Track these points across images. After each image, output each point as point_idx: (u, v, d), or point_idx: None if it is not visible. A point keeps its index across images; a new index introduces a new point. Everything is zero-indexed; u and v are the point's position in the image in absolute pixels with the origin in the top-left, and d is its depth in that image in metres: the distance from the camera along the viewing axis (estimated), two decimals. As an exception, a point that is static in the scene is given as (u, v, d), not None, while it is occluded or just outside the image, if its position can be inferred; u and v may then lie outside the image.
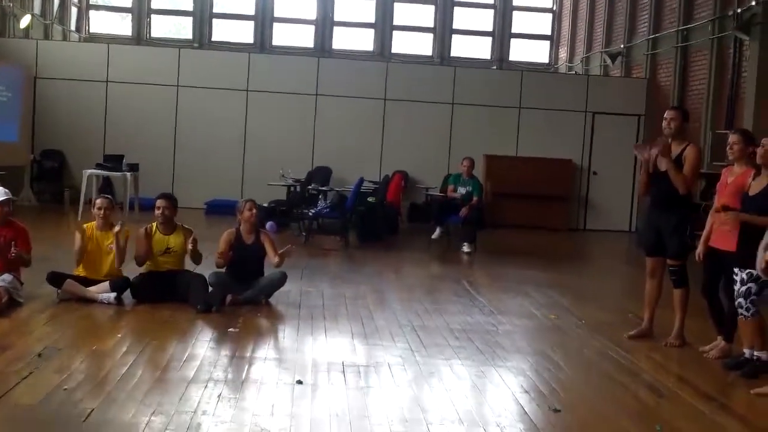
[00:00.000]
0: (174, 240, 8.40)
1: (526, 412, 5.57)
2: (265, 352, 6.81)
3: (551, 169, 17.47)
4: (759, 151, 6.53)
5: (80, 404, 5.13)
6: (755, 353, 6.53)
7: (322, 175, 16.57)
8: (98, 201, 8.46)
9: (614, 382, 6.41)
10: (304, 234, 13.50)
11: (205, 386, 5.66)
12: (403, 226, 15.15)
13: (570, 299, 9.71)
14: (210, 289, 8.19)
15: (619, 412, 5.68)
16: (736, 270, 6.52)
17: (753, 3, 14.03)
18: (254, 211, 8.60)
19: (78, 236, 8.18)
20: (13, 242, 7.80)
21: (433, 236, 13.95)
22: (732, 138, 7.10)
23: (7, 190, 8.03)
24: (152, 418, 4.97)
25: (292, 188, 15.64)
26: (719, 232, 6.96)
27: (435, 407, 5.55)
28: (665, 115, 7.63)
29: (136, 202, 15.15)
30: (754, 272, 6.25)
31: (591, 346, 7.46)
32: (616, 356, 7.12)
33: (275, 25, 24.34)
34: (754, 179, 6.60)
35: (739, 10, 14.43)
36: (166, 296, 8.11)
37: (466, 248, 13.25)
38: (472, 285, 10.44)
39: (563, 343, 7.58)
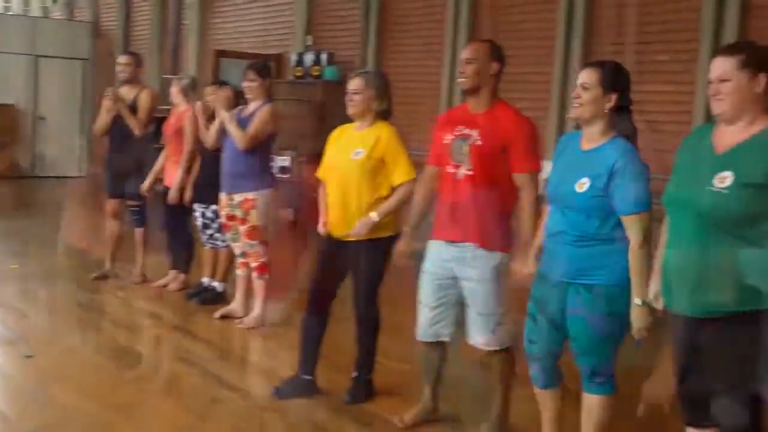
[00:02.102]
0: None
1: (-3, 363, 5.47)
2: None
3: (-7, 115, 16.56)
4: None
5: None
6: (213, 282, 7.10)
7: None
8: None
9: (86, 323, 6.57)
10: None
11: None
12: None
13: (30, 247, 9.52)
14: None
15: (94, 350, 5.87)
16: (196, 206, 7.02)
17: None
18: None
19: None
20: None
21: None
22: (174, 84, 7.54)
23: None
24: None
25: None
26: (171, 169, 7.40)
27: None
28: (119, 61, 7.84)
29: None
30: (215, 207, 6.76)
31: (60, 291, 7.48)
32: (84, 298, 7.24)
33: None
34: None
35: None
36: None
37: None
38: None
39: (29, 291, 7.47)
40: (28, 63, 17.21)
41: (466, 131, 4.09)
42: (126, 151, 7.64)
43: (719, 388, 2.94)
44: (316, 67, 11.28)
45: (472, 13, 9.73)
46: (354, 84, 4.81)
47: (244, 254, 6.36)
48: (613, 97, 3.48)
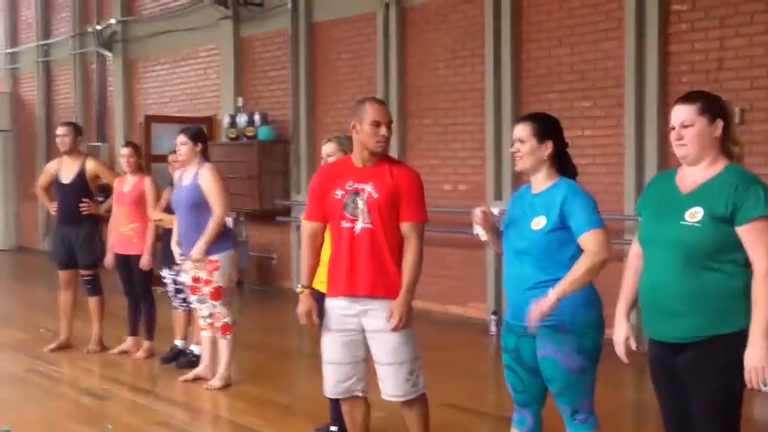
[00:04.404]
0: None
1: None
2: None
3: None
4: None
5: None
6: (191, 346, 7.17)
7: None
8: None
9: (53, 394, 6.61)
10: None
11: None
12: None
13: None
14: None
15: (68, 419, 5.93)
16: (165, 272, 7.18)
17: (112, 21, 14.80)
18: None
19: None
20: None
21: None
22: (124, 151, 7.66)
23: None
24: None
25: None
26: (121, 238, 7.52)
27: None
28: (57, 132, 7.90)
29: None
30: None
31: (17, 365, 7.45)
32: (46, 370, 7.27)
33: None
34: None
35: (99, 27, 15.08)
36: None
37: None
38: None
39: (-13, 367, 7.45)
40: (-53, 137, 17.02)
41: (359, 185, 4.19)
42: (75, 221, 7.72)
43: (700, 410, 3.23)
44: (250, 128, 11.52)
45: (403, 67, 10.13)
46: (327, 149, 5.08)
47: (211, 315, 6.46)
48: (549, 144, 3.77)
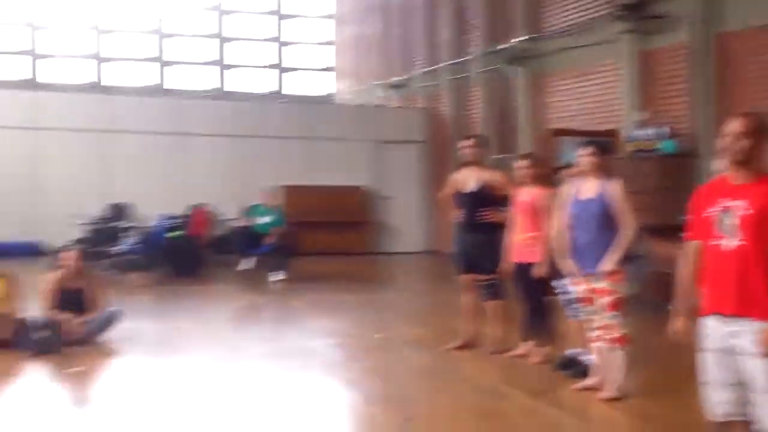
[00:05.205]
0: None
1: (381, 423, 6.13)
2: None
3: (344, 197, 18.26)
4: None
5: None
6: (586, 355, 7.17)
7: (119, 212, 16.40)
8: None
9: (452, 389, 7.08)
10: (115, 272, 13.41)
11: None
12: (209, 259, 15.27)
13: (389, 318, 10.42)
14: (41, 332, 8.16)
15: (465, 415, 6.36)
16: (561, 282, 7.31)
17: (520, 39, 15.44)
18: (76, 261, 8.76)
19: None
20: None
21: (240, 268, 14.24)
22: (521, 163, 8.01)
23: None
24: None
25: (94, 227, 15.39)
26: (518, 246, 7.83)
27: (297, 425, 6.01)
28: (464, 143, 8.41)
29: None
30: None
31: (420, 359, 8.14)
32: (446, 366, 7.84)
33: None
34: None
35: (506, 45, 15.79)
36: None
37: (276, 276, 13.63)
38: (295, 311, 10.90)
39: (396, 359, 8.21)
40: (372, 148, 18.84)
41: (731, 203, 4.06)
42: (476, 228, 8.22)
43: None
44: (653, 142, 11.44)
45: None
46: (719, 164, 5.00)
47: (604, 327, 6.58)
48: None
